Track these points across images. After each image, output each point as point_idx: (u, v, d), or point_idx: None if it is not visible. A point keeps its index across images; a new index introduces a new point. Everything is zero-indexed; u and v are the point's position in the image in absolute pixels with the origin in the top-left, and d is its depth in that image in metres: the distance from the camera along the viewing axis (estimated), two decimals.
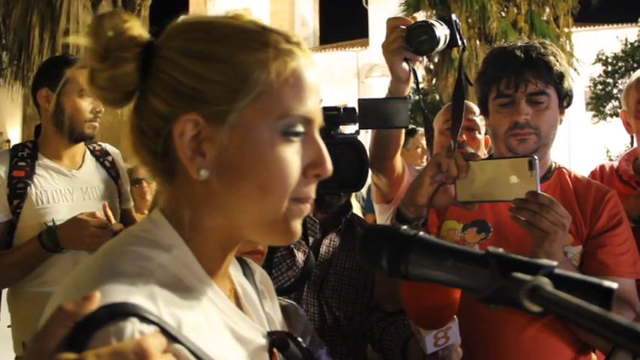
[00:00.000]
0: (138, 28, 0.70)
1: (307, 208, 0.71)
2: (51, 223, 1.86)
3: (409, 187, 1.32)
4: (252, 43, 0.68)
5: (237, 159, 0.67)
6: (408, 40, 1.37)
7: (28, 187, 1.93)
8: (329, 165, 0.71)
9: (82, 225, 1.80)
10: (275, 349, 0.79)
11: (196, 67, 0.67)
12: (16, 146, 2.06)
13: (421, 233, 0.65)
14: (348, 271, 1.50)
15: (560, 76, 1.43)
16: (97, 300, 0.57)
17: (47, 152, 2.02)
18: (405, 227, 0.67)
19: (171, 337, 0.59)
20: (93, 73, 0.69)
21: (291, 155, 0.68)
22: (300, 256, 1.41)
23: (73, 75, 1.96)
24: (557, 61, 1.44)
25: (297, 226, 0.72)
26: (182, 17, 0.74)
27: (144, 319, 0.58)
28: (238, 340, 0.72)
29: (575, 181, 1.52)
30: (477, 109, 2.05)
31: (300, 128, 0.69)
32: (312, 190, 0.71)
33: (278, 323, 0.88)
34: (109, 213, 1.89)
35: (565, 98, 1.47)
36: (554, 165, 1.54)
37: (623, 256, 1.42)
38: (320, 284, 1.48)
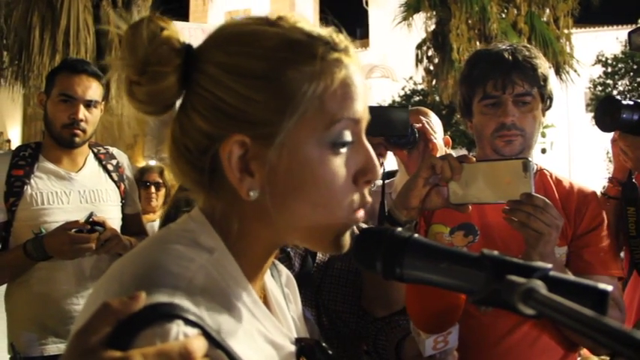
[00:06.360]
0: (176, 35, 0.67)
1: (360, 217, 0.70)
2: (38, 232, 1.88)
3: (401, 190, 1.31)
4: (298, 56, 0.65)
5: (287, 177, 0.66)
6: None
7: (25, 187, 1.95)
8: (378, 169, 0.70)
9: (64, 238, 1.82)
10: (303, 357, 0.78)
11: (239, 85, 0.65)
12: (19, 147, 2.10)
13: (416, 235, 0.65)
14: (344, 273, 1.50)
15: (545, 79, 1.46)
16: (143, 300, 0.57)
17: (48, 154, 2.05)
18: (399, 229, 0.67)
19: (212, 341, 0.59)
20: (131, 86, 0.67)
21: (341, 167, 0.67)
22: (296, 259, 1.41)
23: (58, 80, 1.99)
24: (541, 64, 1.46)
25: (347, 238, 0.71)
26: (223, 25, 0.70)
27: (188, 322, 0.57)
28: (270, 345, 0.72)
29: (557, 182, 1.53)
30: (430, 112, 2.03)
31: (348, 137, 0.67)
32: (366, 196, 0.70)
33: (301, 328, 0.88)
34: (101, 220, 1.90)
35: (547, 101, 1.49)
36: (535, 167, 1.54)
37: (607, 256, 1.45)
38: (317, 286, 1.48)
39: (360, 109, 0.68)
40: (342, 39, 0.69)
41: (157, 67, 0.65)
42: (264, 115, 0.64)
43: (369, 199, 0.70)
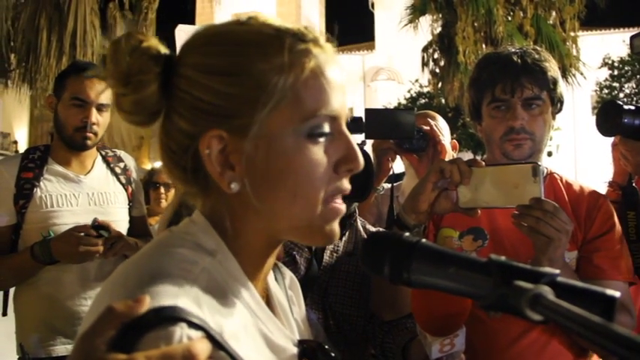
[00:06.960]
0: (155, 45, 0.70)
1: (343, 208, 0.71)
2: (46, 235, 1.89)
3: (410, 194, 1.31)
4: (266, 49, 0.68)
5: (266, 168, 0.67)
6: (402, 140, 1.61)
7: (34, 189, 1.96)
8: (360, 158, 0.71)
9: (72, 241, 1.83)
10: (305, 359, 0.78)
11: (213, 82, 0.67)
12: (28, 149, 2.11)
13: (423, 240, 0.65)
14: (352, 276, 1.50)
15: (554, 82, 1.45)
16: (147, 303, 0.58)
17: (57, 157, 2.06)
18: (407, 234, 0.67)
19: (215, 343, 0.59)
20: (118, 98, 0.70)
21: (319, 156, 0.68)
22: (302, 263, 1.41)
23: (69, 83, 1.98)
24: (551, 67, 1.45)
25: (335, 227, 0.72)
26: (197, 29, 0.73)
27: (191, 324, 0.58)
28: (271, 347, 0.73)
29: (567, 186, 1.52)
30: (438, 116, 1.98)
31: (326, 128, 0.69)
32: (345, 184, 0.71)
33: (305, 330, 0.88)
34: (105, 224, 1.91)
35: (557, 104, 1.48)
36: (545, 170, 1.53)
37: (618, 260, 1.43)
38: (324, 289, 1.48)
39: (337, 104, 0.70)
40: (310, 30, 0.71)
41: (139, 77, 0.68)
42: (237, 108, 0.67)
43: (347, 186, 0.71)
